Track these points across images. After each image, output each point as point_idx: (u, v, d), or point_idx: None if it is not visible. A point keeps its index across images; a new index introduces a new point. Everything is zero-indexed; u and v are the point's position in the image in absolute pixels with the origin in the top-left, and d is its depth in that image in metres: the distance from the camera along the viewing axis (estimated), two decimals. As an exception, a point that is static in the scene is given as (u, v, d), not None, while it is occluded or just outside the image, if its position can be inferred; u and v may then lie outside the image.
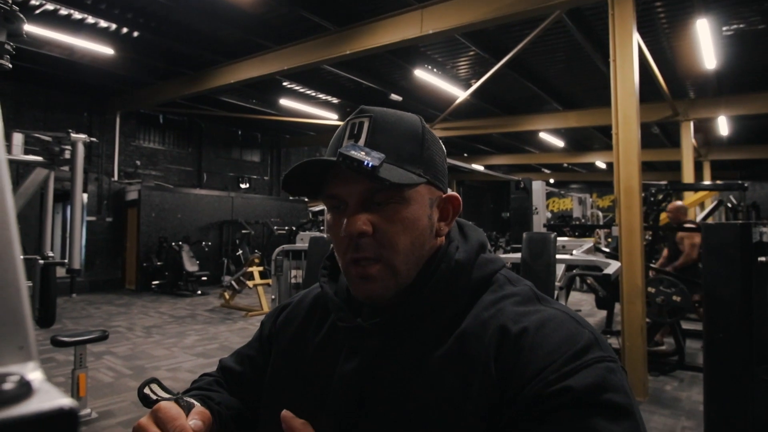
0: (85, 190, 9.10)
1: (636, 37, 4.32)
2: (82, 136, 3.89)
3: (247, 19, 6.48)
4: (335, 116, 10.88)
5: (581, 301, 8.21)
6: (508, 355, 0.53)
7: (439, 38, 6.31)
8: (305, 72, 7.81)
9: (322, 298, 0.71)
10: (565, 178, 20.40)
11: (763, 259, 2.31)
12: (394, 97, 9.56)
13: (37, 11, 6.25)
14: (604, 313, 5.80)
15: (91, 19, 6.58)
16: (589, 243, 5.61)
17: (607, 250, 6.37)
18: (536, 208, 6.73)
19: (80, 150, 3.85)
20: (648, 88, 6.61)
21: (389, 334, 0.60)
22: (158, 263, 9.92)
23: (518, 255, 4.15)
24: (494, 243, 12.06)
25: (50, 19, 6.43)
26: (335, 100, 10.29)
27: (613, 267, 3.85)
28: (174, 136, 12.13)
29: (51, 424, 0.25)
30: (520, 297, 0.59)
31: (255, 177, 13.89)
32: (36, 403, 0.26)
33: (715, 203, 7.80)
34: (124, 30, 6.95)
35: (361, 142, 0.59)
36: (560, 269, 4.24)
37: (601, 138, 12.77)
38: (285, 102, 10.01)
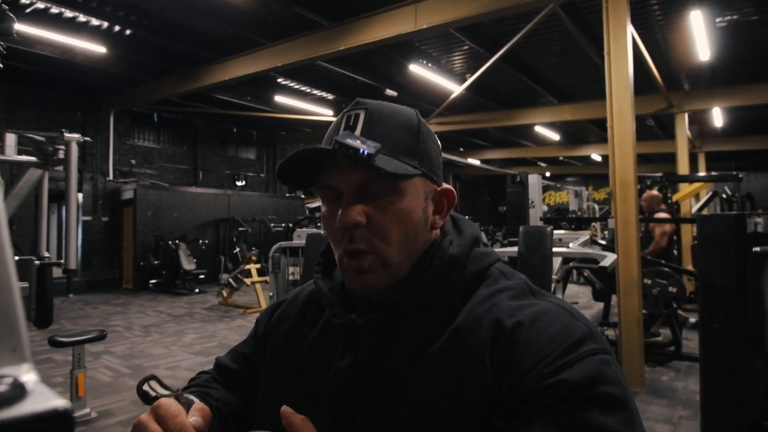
0: (80, 190, 9.07)
1: (630, 30, 4.32)
2: (76, 135, 3.86)
3: (240, 16, 6.44)
4: (330, 112, 10.85)
5: (578, 294, 8.26)
6: (503, 349, 0.53)
7: (433, 33, 6.29)
8: (300, 68, 7.77)
9: (316, 295, 0.71)
10: (561, 171, 20.42)
11: (757, 249, 2.32)
12: (390, 92, 9.53)
13: (28, 10, 6.18)
14: (601, 305, 5.83)
15: (82, 18, 6.51)
16: (585, 236, 5.63)
17: (603, 242, 6.40)
18: (533, 202, 6.74)
19: (74, 150, 3.82)
20: (642, 81, 6.61)
21: (384, 329, 0.60)
22: (155, 262, 9.90)
23: (515, 249, 4.17)
24: (491, 237, 12.10)
25: (41, 17, 6.37)
26: (330, 96, 10.25)
27: (609, 259, 3.87)
28: (169, 134, 12.07)
29: (45, 425, 0.25)
30: (515, 291, 0.59)
31: (251, 174, 13.85)
32: (30, 404, 0.26)
33: (710, 194, 7.84)
34: (117, 28, 6.89)
35: (357, 133, 0.59)
36: (557, 262, 4.26)
37: (597, 131, 12.78)
38: (280, 99, 9.97)
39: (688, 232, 7.58)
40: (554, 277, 4.04)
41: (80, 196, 9.39)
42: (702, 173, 11.41)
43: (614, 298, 4.57)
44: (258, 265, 7.90)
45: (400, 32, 5.81)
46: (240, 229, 11.26)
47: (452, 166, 17.83)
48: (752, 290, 2.36)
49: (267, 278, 6.49)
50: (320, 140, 0.65)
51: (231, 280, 7.90)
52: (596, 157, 16.59)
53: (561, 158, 18.01)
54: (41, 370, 4.51)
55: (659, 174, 7.61)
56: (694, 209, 7.63)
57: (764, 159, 15.08)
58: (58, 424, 0.26)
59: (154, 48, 7.64)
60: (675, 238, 5.81)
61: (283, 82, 9.45)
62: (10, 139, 4.02)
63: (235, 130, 13.50)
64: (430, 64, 8.24)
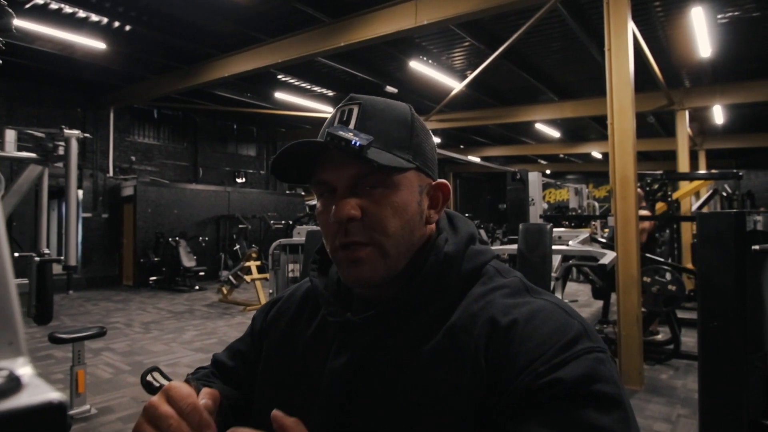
0: (80, 187, 9.07)
1: (631, 26, 4.30)
2: (76, 132, 3.86)
3: (240, 12, 6.43)
4: (330, 109, 10.82)
5: (578, 292, 8.26)
6: (498, 347, 0.53)
7: (433, 29, 6.28)
8: (300, 65, 7.76)
9: (312, 293, 0.71)
10: (561, 168, 20.40)
11: (756, 247, 2.32)
12: (390, 89, 9.53)
13: (28, 5, 6.17)
14: (600, 303, 5.83)
15: (82, 13, 6.51)
16: (585, 233, 5.63)
17: (603, 240, 6.39)
18: (533, 199, 6.74)
19: (74, 146, 3.83)
20: (643, 78, 6.60)
21: (379, 328, 0.60)
22: (155, 259, 9.91)
23: (515, 246, 4.17)
24: (491, 234, 12.09)
25: (41, 13, 6.36)
26: (330, 93, 10.24)
27: (608, 257, 3.86)
28: (169, 131, 12.06)
29: (40, 418, 0.26)
30: (510, 289, 0.59)
31: (251, 171, 13.85)
32: (25, 397, 0.26)
33: (710, 192, 7.83)
34: (116, 24, 6.88)
35: (351, 127, 0.59)
36: (556, 260, 4.26)
37: (597, 128, 12.76)
38: (280, 95, 9.96)
39: (688, 230, 7.58)
40: (554, 274, 4.04)
41: (80, 192, 9.39)
42: (702, 171, 11.41)
43: (614, 296, 4.57)
44: (258, 262, 7.91)
45: (400, 28, 5.81)
46: (240, 226, 11.26)
47: (452, 163, 17.83)
48: (751, 288, 2.36)
49: (267, 275, 6.50)
50: (320, 137, 0.65)
51: (231, 277, 7.91)
52: (596, 154, 16.57)
53: (561, 156, 18.00)
54: (41, 366, 4.52)
55: (659, 171, 7.61)
56: (694, 207, 7.62)
57: (765, 157, 15.05)
58: (53, 417, 0.26)
59: (154, 44, 7.62)
60: (656, 235, 5.80)
61: (284, 79, 9.44)
62: (10, 135, 4.02)
63: (235, 126, 13.49)
64: (430, 61, 8.22)
